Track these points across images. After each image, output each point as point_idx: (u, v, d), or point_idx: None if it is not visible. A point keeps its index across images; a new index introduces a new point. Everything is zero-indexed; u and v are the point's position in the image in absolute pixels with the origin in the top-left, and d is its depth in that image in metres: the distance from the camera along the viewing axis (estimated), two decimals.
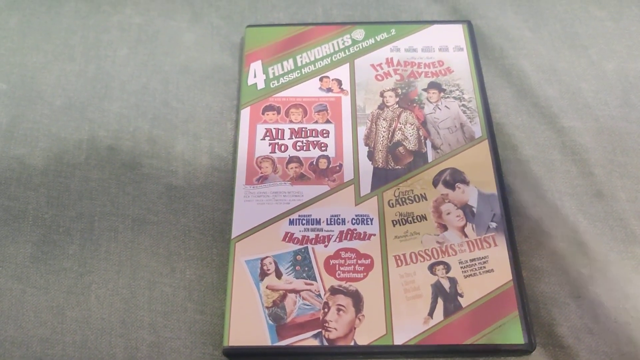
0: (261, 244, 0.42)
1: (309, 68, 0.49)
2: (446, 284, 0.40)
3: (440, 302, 0.39)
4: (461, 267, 0.40)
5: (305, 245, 0.42)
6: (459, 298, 0.39)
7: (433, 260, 0.41)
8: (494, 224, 0.42)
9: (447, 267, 0.41)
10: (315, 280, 0.41)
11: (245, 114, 0.47)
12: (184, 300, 0.38)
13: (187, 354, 0.36)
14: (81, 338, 0.35)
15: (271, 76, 0.49)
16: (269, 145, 0.46)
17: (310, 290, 0.41)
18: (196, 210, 0.43)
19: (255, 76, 0.49)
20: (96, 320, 0.36)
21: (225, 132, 0.47)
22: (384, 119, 0.47)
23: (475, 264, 0.41)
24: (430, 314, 0.39)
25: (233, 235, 0.42)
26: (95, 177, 0.42)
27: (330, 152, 0.46)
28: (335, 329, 0.39)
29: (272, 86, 0.49)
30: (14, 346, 0.34)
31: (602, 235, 0.43)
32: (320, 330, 0.39)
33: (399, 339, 0.38)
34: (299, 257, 0.42)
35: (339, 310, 0.40)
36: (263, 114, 0.47)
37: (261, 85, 0.49)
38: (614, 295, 0.40)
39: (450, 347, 0.38)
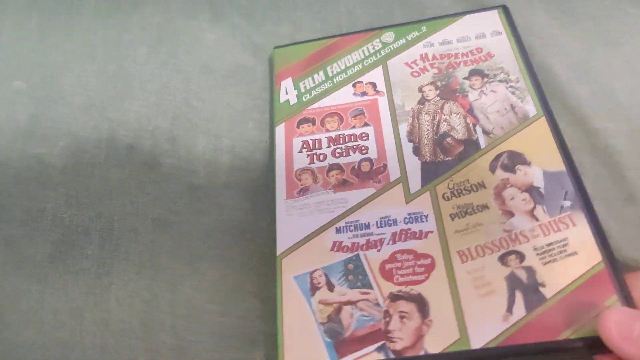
0: (308, 257, 0.38)
1: (341, 77, 0.47)
2: (522, 275, 0.35)
3: (518, 295, 0.34)
4: (537, 254, 0.35)
5: (356, 252, 0.38)
6: (541, 289, 0.34)
7: (503, 251, 0.36)
8: (568, 202, 0.37)
9: (521, 256, 0.36)
10: (372, 288, 0.37)
11: (280, 130, 0.45)
12: (205, 303, 0.37)
13: (209, 358, 0.35)
14: (101, 341, 0.35)
15: (303, 90, 0.47)
16: (307, 157, 0.43)
17: (367, 300, 0.36)
18: (217, 210, 0.41)
19: (287, 93, 0.47)
20: (116, 323, 0.36)
21: (246, 131, 0.46)
22: (426, 113, 0.44)
23: (554, 248, 0.36)
24: (509, 309, 0.34)
25: (278, 252, 0.39)
26: (114, 176, 0.42)
27: (372, 153, 0.42)
28: (400, 338, 0.34)
29: (304, 100, 0.47)
30: (33, 349, 0.34)
31: (634, 240, 0.39)
32: (383, 342, 0.34)
33: (477, 342, 0.33)
34: (350, 266, 0.38)
35: (402, 317, 0.35)
36: (298, 127, 0.45)
37: (293, 100, 0.47)
38: None
39: (542, 345, 0.32)
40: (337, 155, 0.43)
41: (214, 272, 0.39)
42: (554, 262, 0.35)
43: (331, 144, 0.44)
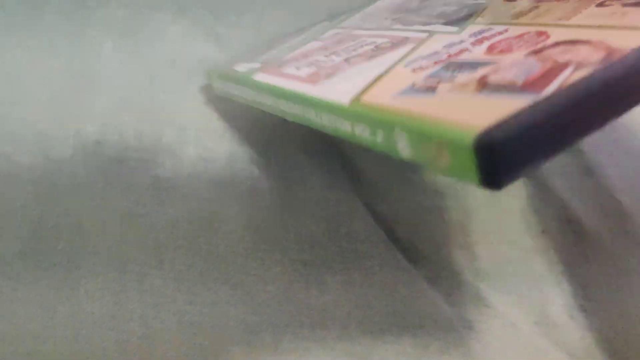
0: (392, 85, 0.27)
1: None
2: None
3: None
4: None
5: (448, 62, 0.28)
6: None
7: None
8: None
9: None
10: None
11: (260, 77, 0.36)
12: (173, 292, 0.39)
13: (177, 345, 0.37)
14: (72, 333, 0.37)
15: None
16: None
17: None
18: (184, 200, 0.42)
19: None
20: (86, 315, 0.38)
21: (211, 122, 0.46)
22: None
23: None
24: None
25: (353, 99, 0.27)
26: (82, 172, 0.43)
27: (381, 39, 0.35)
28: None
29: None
30: (5, 343, 0.37)
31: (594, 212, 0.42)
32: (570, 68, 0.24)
33: None
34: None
35: (573, 44, 0.25)
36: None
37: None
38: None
39: None
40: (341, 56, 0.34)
41: (181, 261, 0.40)
42: None
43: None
